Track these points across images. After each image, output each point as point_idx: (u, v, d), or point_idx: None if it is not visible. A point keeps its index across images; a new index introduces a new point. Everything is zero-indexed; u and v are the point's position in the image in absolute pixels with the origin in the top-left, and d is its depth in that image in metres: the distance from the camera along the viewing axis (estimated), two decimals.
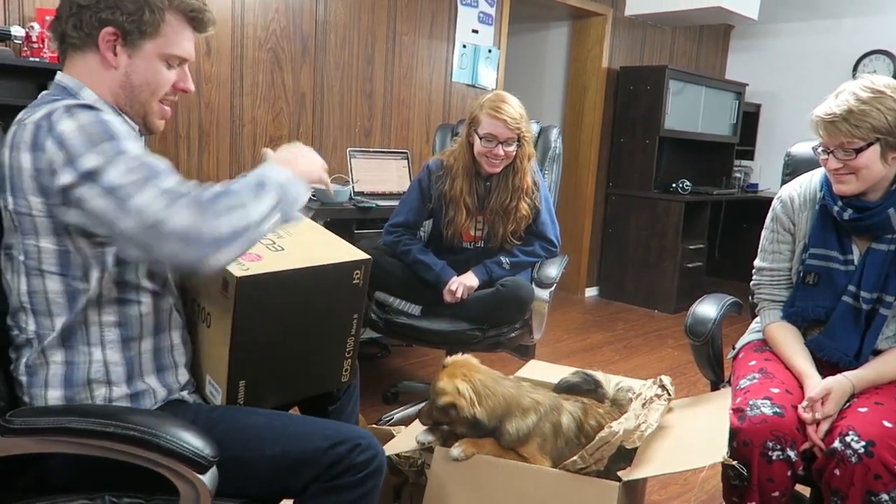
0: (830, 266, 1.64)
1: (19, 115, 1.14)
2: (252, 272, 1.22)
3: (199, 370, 1.35)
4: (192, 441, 1.02)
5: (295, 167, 1.20)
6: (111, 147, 1.05)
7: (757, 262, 1.82)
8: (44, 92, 1.20)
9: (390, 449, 1.62)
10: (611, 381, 1.70)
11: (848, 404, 1.49)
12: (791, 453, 1.42)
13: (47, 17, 2.47)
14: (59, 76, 1.20)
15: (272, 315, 1.29)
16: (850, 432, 1.37)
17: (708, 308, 1.84)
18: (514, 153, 2.38)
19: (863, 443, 1.34)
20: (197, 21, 1.23)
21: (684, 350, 3.89)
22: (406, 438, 1.65)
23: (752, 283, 1.84)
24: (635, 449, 1.44)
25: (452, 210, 2.47)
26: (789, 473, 1.43)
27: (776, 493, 1.43)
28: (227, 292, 1.22)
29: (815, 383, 1.52)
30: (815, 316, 1.66)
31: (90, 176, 1.04)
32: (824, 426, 1.46)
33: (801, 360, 1.61)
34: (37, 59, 2.47)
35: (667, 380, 1.65)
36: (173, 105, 1.29)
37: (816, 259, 1.66)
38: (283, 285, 1.28)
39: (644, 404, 1.53)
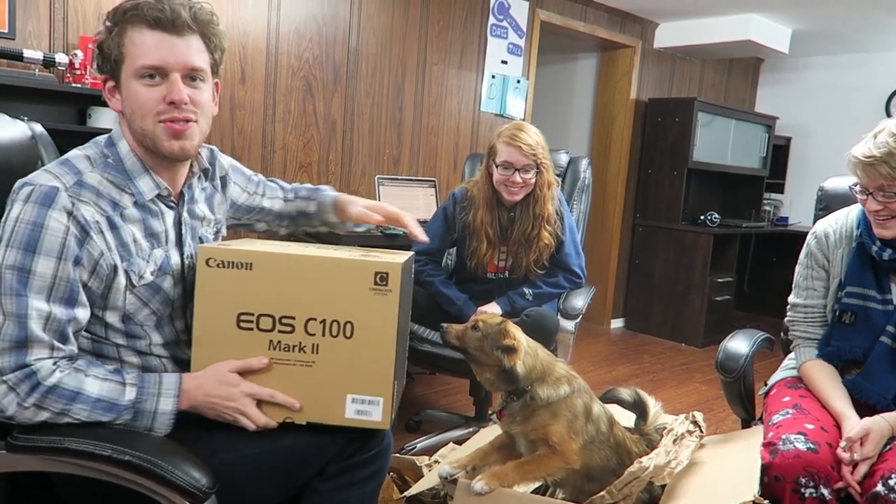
0: (868, 305, 1.61)
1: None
2: (398, 259, 1.21)
3: (326, 400, 1.22)
4: (191, 471, 1.01)
5: (203, 399, 1.16)
6: (18, 258, 1.06)
7: (791, 298, 1.79)
8: (92, 140, 1.23)
9: (417, 489, 1.60)
10: (656, 420, 1.66)
11: (888, 447, 1.45)
12: (825, 491, 1.37)
13: (90, 45, 2.56)
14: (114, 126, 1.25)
15: (404, 307, 1.25)
16: (894, 475, 1.33)
17: (739, 344, 1.81)
18: (534, 181, 2.38)
19: None
20: (155, 21, 1.13)
21: (713, 385, 3.82)
22: (432, 477, 1.63)
23: (786, 319, 1.81)
24: (664, 486, 1.41)
25: (475, 241, 2.47)
26: None
27: None
28: (384, 285, 1.19)
29: (854, 424, 1.48)
30: (851, 356, 1.62)
31: None
32: (863, 468, 1.41)
33: (839, 401, 1.56)
34: (79, 86, 2.54)
35: (699, 416, 1.62)
36: (183, 123, 1.19)
37: (853, 298, 1.63)
38: (407, 273, 1.27)
39: (675, 440, 1.50)
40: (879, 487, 1.33)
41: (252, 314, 1.20)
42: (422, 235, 1.46)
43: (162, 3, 1.13)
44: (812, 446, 1.41)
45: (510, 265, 2.49)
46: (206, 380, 1.18)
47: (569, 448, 1.44)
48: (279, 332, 1.20)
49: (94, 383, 1.10)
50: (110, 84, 1.18)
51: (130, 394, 1.11)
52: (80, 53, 2.56)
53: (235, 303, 1.20)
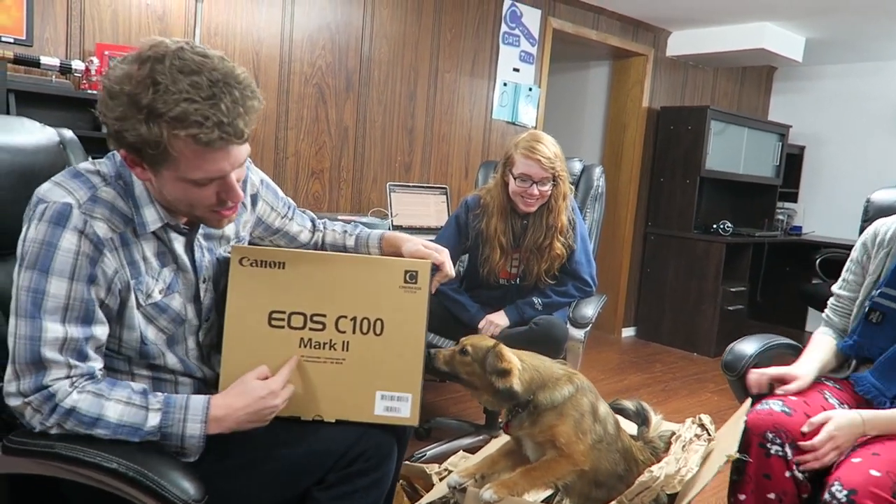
0: None
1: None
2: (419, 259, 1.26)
3: (355, 398, 1.23)
4: (179, 482, 1.00)
5: (232, 417, 1.13)
6: (33, 279, 1.05)
7: (833, 287, 1.83)
8: (109, 153, 1.17)
9: (426, 499, 1.60)
10: (658, 428, 1.66)
11: (847, 455, 1.44)
12: (790, 451, 1.40)
13: (106, 52, 2.58)
14: None
15: (429, 306, 1.26)
16: (836, 483, 1.34)
17: (747, 346, 1.82)
18: (550, 192, 2.38)
19: (845, 491, 1.31)
20: (209, 143, 1.03)
21: (725, 394, 3.78)
22: (442, 487, 1.63)
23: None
24: (672, 494, 1.40)
25: (488, 249, 2.46)
26: (788, 475, 1.40)
27: (772, 496, 1.40)
28: (413, 283, 1.22)
29: (799, 374, 1.56)
30: (870, 355, 1.63)
31: (15, 289, 1.07)
32: (831, 456, 1.41)
33: (808, 359, 1.64)
34: (95, 92, 2.56)
35: (706, 419, 1.61)
36: (232, 208, 1.16)
37: (885, 299, 1.63)
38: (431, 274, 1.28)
39: (684, 446, 1.49)
40: (826, 496, 1.34)
41: (283, 312, 1.22)
42: (451, 271, 1.47)
43: (223, 124, 1.02)
44: (787, 410, 1.46)
45: (522, 272, 2.49)
46: (233, 397, 1.16)
47: (576, 449, 1.44)
48: (310, 329, 1.22)
49: (116, 408, 1.08)
50: (131, 156, 1.08)
51: (154, 419, 1.09)
52: (96, 60, 2.59)
53: (267, 301, 1.22)
